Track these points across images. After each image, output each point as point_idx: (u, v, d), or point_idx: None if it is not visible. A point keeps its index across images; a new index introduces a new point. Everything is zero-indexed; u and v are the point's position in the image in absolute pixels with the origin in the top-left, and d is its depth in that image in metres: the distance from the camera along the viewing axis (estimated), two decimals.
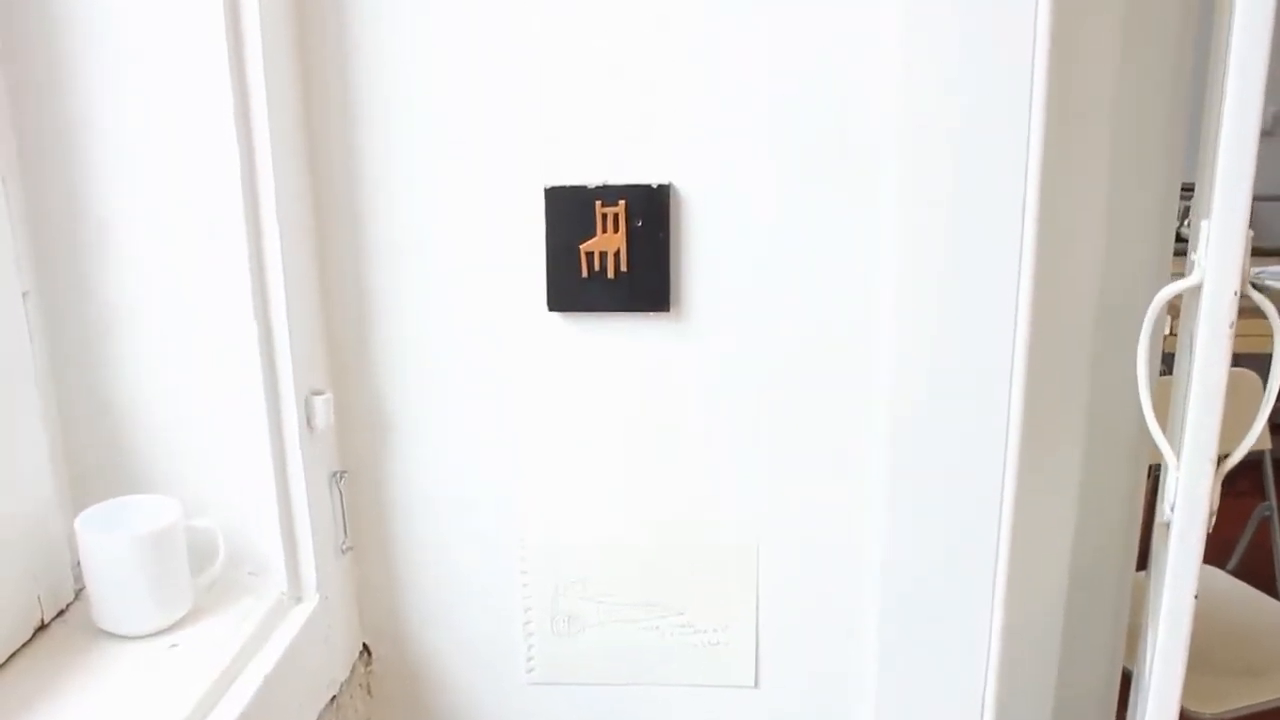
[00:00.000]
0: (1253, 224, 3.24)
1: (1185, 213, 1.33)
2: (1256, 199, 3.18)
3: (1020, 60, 1.18)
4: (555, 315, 1.33)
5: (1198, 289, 1.15)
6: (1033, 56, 1.18)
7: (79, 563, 1.22)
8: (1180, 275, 1.19)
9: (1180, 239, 1.34)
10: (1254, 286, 2.61)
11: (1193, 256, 1.17)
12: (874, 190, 1.26)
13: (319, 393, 1.33)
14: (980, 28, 1.18)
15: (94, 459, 1.29)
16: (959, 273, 1.25)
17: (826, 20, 1.23)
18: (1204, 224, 1.16)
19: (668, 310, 1.31)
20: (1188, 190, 1.27)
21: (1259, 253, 2.84)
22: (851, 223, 1.28)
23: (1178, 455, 1.18)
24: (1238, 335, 1.14)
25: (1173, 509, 1.19)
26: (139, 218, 1.22)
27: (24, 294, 1.22)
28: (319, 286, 1.35)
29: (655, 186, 1.27)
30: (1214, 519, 1.20)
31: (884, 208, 1.26)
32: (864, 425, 1.34)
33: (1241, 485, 1.22)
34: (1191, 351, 1.16)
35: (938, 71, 1.20)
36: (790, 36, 1.24)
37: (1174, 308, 1.23)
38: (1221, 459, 1.18)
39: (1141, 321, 1.19)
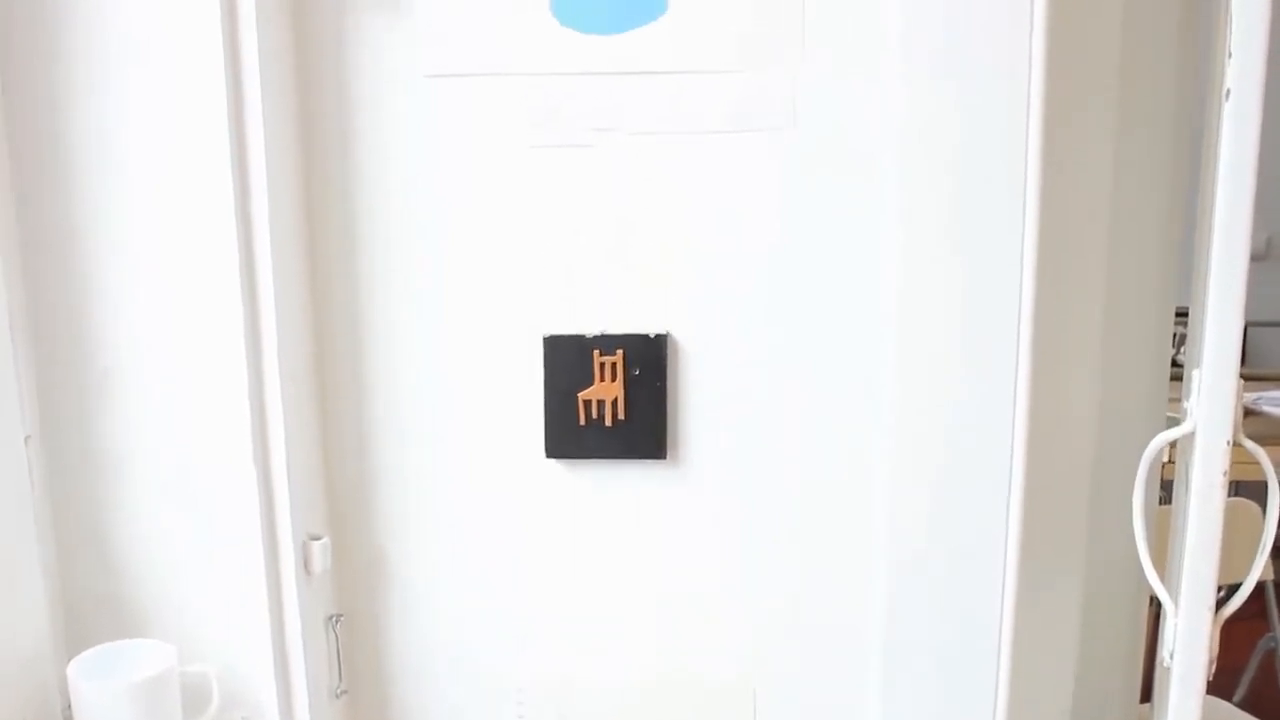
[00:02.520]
0: (1250, 349, 3.25)
1: (1181, 339, 1.34)
2: (1253, 324, 3.20)
3: (1013, 192, 1.21)
4: (553, 462, 1.34)
5: (1191, 436, 1.15)
6: (1024, 188, 1.21)
7: (69, 705, 1.21)
8: (1177, 400, 1.20)
9: (1176, 364, 1.35)
10: (1250, 412, 2.62)
11: (1185, 403, 1.18)
12: (870, 337, 1.28)
13: (317, 537, 1.33)
14: (971, 169, 1.21)
15: (90, 601, 1.29)
16: (955, 412, 1.26)
17: (825, 182, 1.27)
18: (1195, 373, 1.17)
19: (665, 457, 1.32)
20: (1182, 315, 1.28)
21: (1257, 378, 2.85)
22: (847, 370, 1.30)
23: (1176, 602, 1.18)
24: (1237, 463, 1.14)
25: (1172, 655, 1.18)
26: (141, 365, 1.24)
27: (26, 438, 1.24)
28: (319, 431, 1.36)
29: (653, 336, 1.29)
30: (1214, 665, 1.19)
31: (880, 354, 1.27)
32: (861, 570, 1.34)
33: (1246, 610, 1.21)
34: (1187, 494, 1.16)
35: (932, 223, 1.22)
36: (789, 193, 1.27)
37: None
38: (1221, 599, 1.18)
39: (1137, 457, 1.19)
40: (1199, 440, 1.14)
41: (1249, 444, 1.21)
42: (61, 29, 1.17)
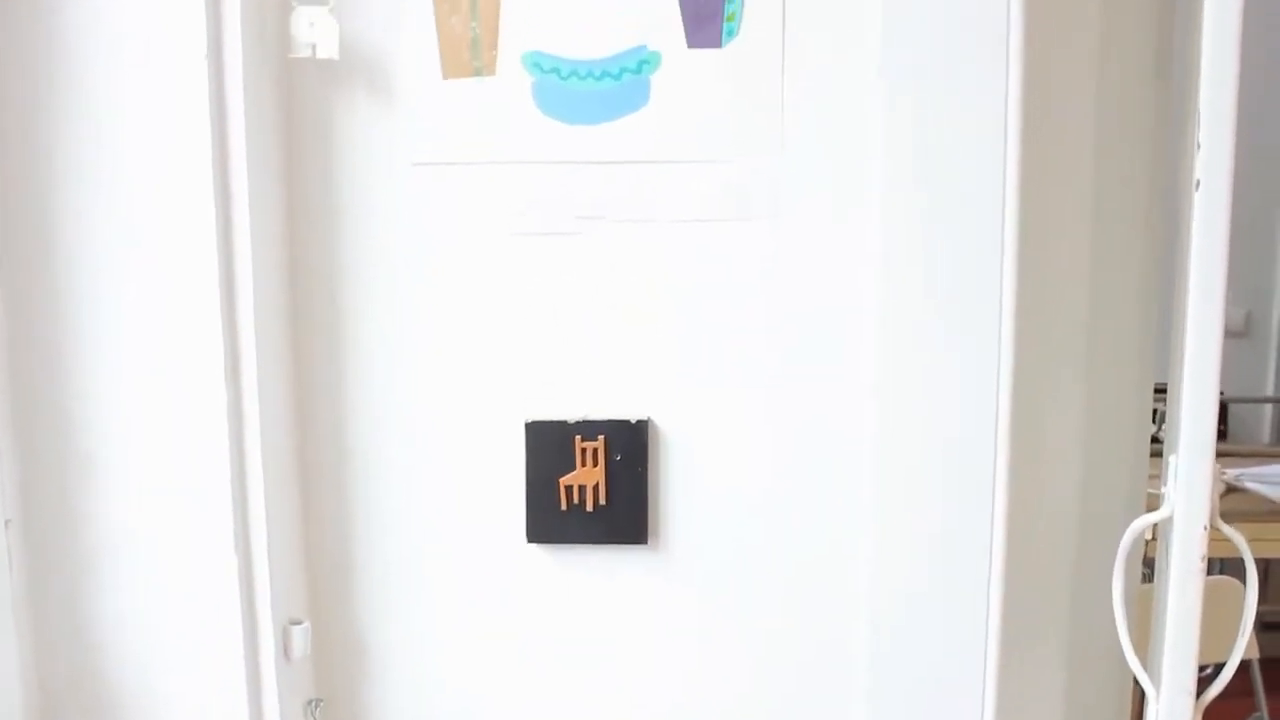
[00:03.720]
0: (1232, 425, 3.23)
1: (1161, 417, 1.35)
2: (1234, 400, 3.19)
3: (990, 278, 1.23)
4: (534, 546, 1.34)
5: (1170, 520, 1.16)
6: (1001, 273, 1.23)
7: None
8: (1158, 476, 1.21)
9: (1156, 440, 1.36)
10: (1232, 489, 2.62)
11: (1164, 489, 1.19)
12: (850, 423, 1.29)
13: (297, 622, 1.33)
14: (949, 256, 1.23)
15: (68, 687, 1.28)
16: (936, 493, 1.27)
17: (805, 269, 1.29)
18: (1172, 459, 1.18)
19: (646, 543, 1.33)
20: (1161, 390, 1.29)
21: (1238, 455, 2.87)
22: (828, 455, 1.31)
23: (1157, 687, 1.18)
24: (1219, 541, 1.15)
25: None
26: (124, 449, 1.24)
27: (6, 522, 1.23)
28: (300, 515, 1.36)
29: (634, 422, 1.30)
30: None
31: (861, 440, 1.28)
32: (843, 657, 1.34)
33: (1232, 687, 1.21)
34: (1167, 578, 1.17)
35: (911, 312, 1.24)
36: (769, 280, 1.29)
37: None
38: (1207, 676, 1.18)
39: (1119, 534, 1.20)
40: (1177, 526, 1.15)
41: (1226, 529, 1.21)
42: (53, 121, 1.19)
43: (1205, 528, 1.15)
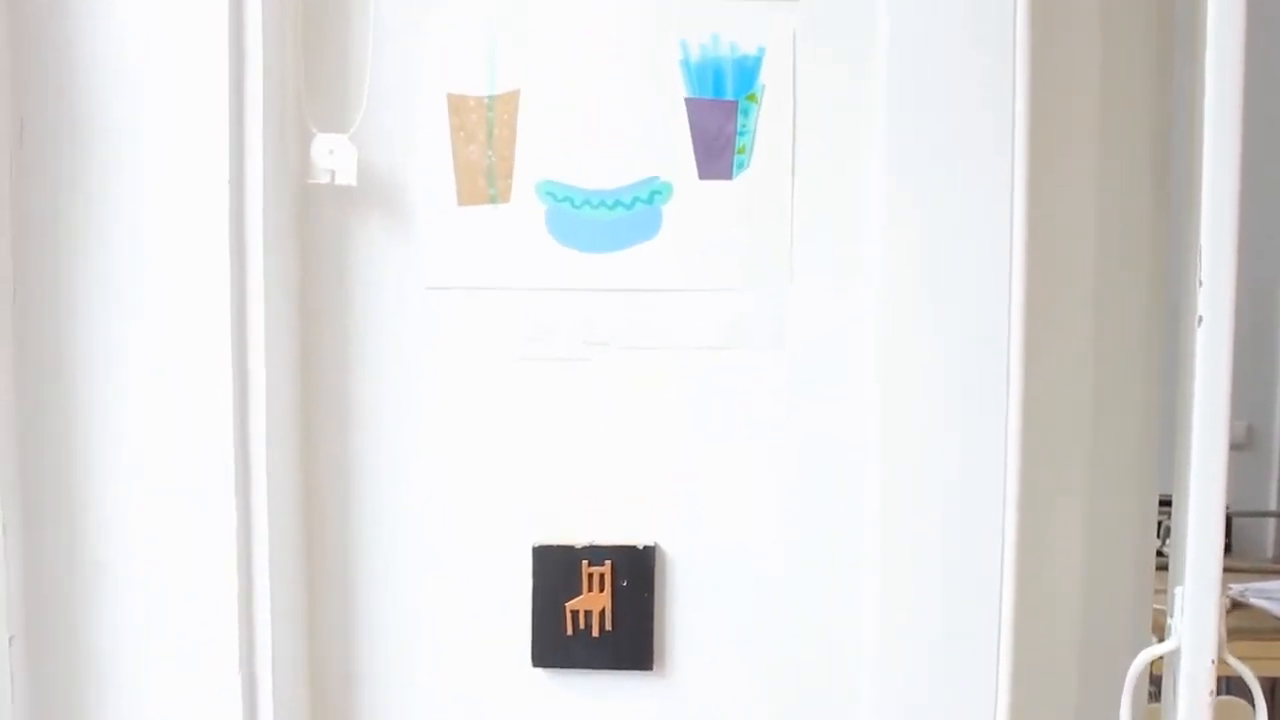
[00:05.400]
0: (1236, 539, 3.19)
1: (1166, 531, 1.35)
2: (1237, 515, 3.16)
3: (996, 400, 1.24)
4: (540, 671, 1.33)
5: (1176, 652, 1.16)
6: (1007, 394, 1.24)
7: None
8: (1163, 590, 1.22)
9: (1161, 554, 1.36)
10: (1237, 604, 2.59)
11: (1170, 620, 1.19)
12: (854, 550, 1.30)
13: None
14: (952, 384, 1.25)
15: None
16: (939, 620, 1.26)
17: (811, 398, 1.31)
18: (1178, 590, 1.18)
19: (651, 668, 1.32)
20: (1166, 503, 1.29)
21: (1242, 570, 2.85)
22: (833, 583, 1.31)
23: None
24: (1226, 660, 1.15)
25: None
26: (132, 565, 1.24)
27: (10, 638, 1.23)
28: (306, 636, 1.35)
29: (641, 548, 1.31)
30: None
31: (864, 569, 1.29)
32: None
33: None
34: (1174, 709, 1.16)
35: (913, 440, 1.25)
36: (776, 408, 1.31)
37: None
38: None
39: (1123, 655, 1.20)
40: (1184, 660, 1.15)
41: (1234, 661, 1.21)
42: (75, 242, 1.22)
43: (1213, 661, 1.15)
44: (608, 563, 1.30)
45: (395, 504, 1.34)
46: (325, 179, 1.27)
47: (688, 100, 1.29)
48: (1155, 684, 1.42)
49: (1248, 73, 1.12)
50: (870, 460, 1.28)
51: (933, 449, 1.26)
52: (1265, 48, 1.46)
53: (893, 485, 1.26)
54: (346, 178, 1.27)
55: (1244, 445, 3.23)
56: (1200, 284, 1.17)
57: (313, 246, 1.32)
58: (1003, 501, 1.25)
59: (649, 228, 1.29)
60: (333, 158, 1.26)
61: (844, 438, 1.30)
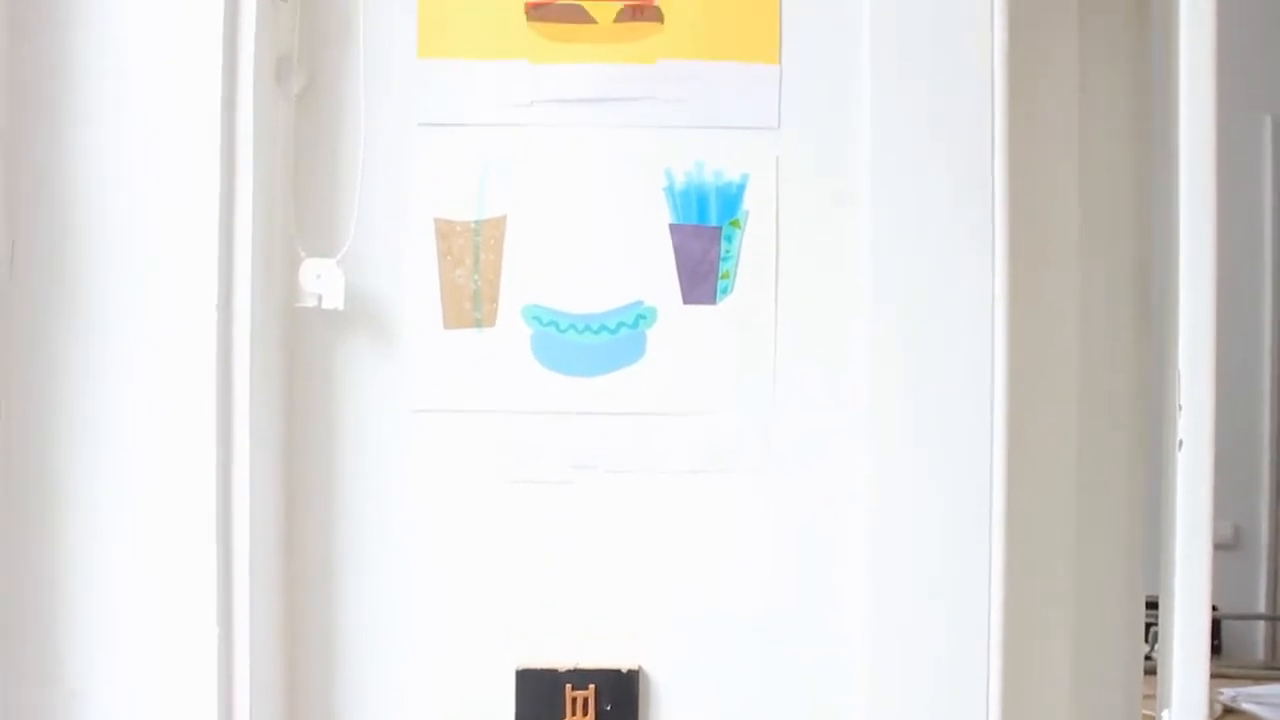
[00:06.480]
0: (1226, 642, 3.18)
1: (1154, 637, 1.35)
2: (1226, 618, 3.16)
3: (980, 514, 1.25)
4: None
5: None
6: (990, 511, 1.25)
7: None
8: (1152, 696, 1.24)
9: (1149, 658, 1.36)
10: (1230, 711, 2.58)
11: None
12: (842, 674, 1.29)
13: None
14: (937, 501, 1.26)
15: None
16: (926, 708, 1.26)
17: (795, 521, 1.31)
18: (1165, 714, 1.19)
19: None
20: (1152, 605, 1.31)
21: (1232, 676, 2.83)
22: (819, 709, 1.30)
23: None
24: None
25: None
26: (110, 689, 1.22)
27: None
28: None
29: (625, 671, 1.30)
30: None
31: (853, 689, 1.28)
32: None
33: None
34: None
35: (900, 567, 1.26)
36: (760, 531, 1.31)
37: None
38: None
39: None
40: None
41: None
42: (59, 376, 1.22)
43: None
44: (591, 686, 1.29)
45: (379, 625, 1.33)
46: (313, 303, 1.28)
47: (672, 226, 1.31)
48: None
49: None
50: (857, 582, 1.28)
51: (920, 569, 1.26)
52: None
53: (880, 607, 1.27)
54: (334, 302, 1.28)
55: (1231, 545, 3.22)
56: (1180, 409, 1.19)
57: (300, 369, 1.33)
58: (988, 621, 1.25)
59: (633, 352, 1.30)
60: (320, 282, 1.28)
61: (829, 560, 1.30)
